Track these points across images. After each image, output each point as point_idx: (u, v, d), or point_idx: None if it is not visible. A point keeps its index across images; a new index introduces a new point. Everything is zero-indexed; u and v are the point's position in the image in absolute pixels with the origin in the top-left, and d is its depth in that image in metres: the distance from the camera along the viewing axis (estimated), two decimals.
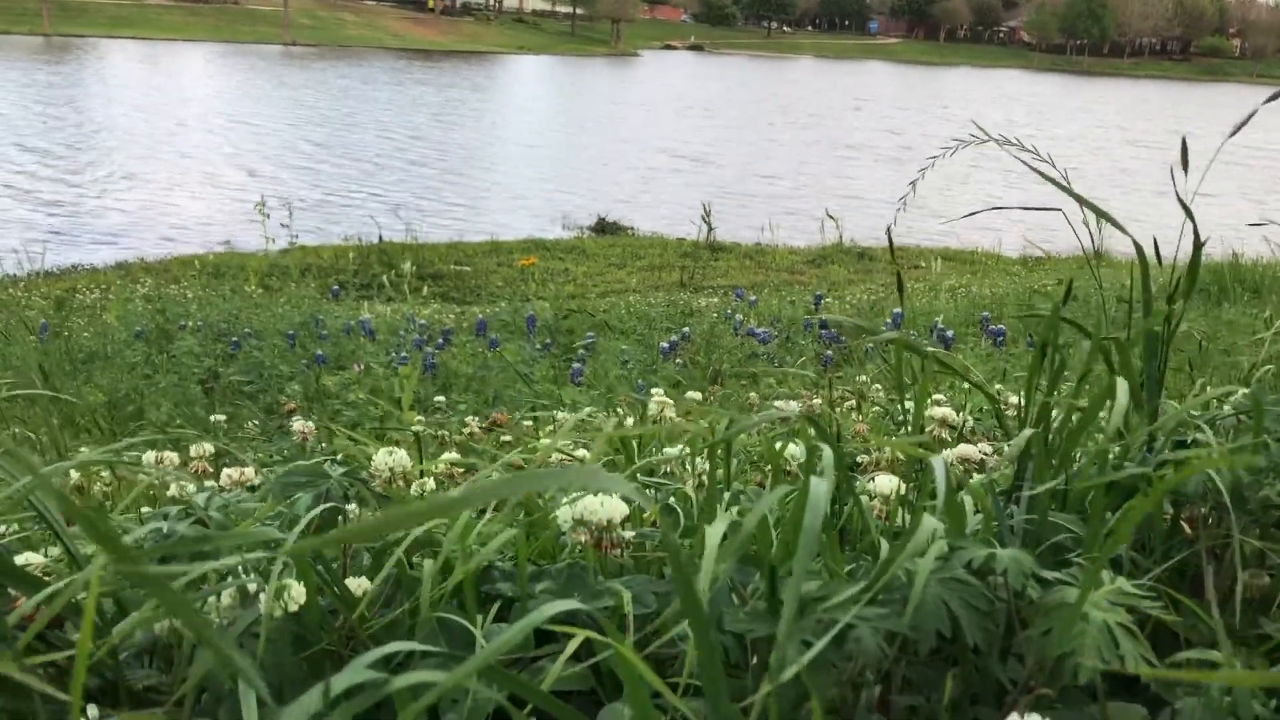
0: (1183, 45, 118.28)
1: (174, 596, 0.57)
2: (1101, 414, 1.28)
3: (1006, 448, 1.70)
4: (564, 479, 0.62)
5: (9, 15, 64.19)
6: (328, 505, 1.17)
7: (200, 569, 1.07)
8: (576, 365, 7.02)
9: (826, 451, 1.02)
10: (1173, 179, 1.28)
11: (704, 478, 1.59)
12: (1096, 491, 1.10)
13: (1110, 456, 1.36)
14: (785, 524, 1.04)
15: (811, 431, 1.26)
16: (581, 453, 2.04)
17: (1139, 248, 1.21)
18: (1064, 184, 1.28)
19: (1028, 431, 1.12)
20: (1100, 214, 1.25)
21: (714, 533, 0.88)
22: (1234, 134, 1.34)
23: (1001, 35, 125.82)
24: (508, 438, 2.80)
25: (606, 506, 1.18)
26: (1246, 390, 1.54)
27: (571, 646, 1.01)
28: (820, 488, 0.85)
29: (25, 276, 13.39)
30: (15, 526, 1.71)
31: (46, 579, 1.28)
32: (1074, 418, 1.26)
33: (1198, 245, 1.26)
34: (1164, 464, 1.23)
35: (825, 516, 1.07)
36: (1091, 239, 1.40)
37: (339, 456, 1.51)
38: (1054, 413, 1.37)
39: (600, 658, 1.08)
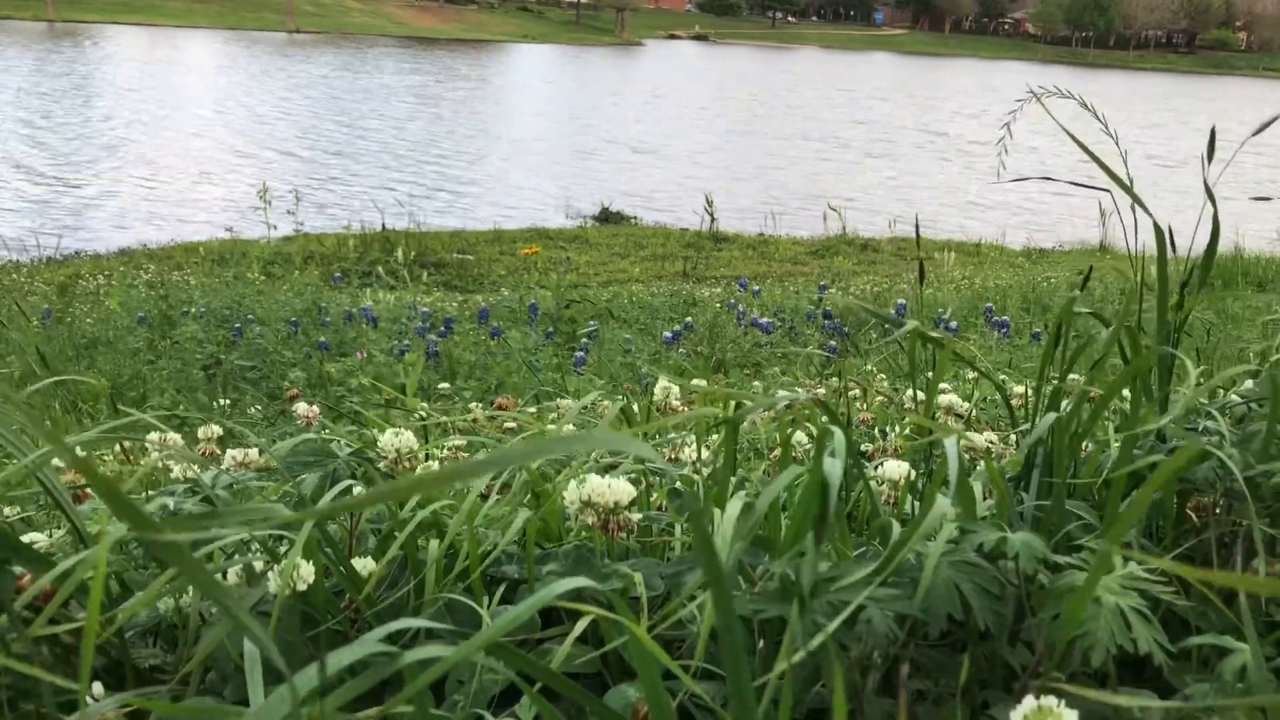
0: (1189, 38, 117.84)
1: (195, 566, 0.57)
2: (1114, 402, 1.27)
3: (1014, 435, 1.69)
4: (588, 442, 0.61)
5: (13, 0, 64.11)
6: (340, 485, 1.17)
7: (207, 548, 1.06)
8: (579, 354, 7.02)
9: (837, 433, 1.01)
10: (1205, 179, 1.27)
11: (708, 463, 1.58)
12: (1116, 480, 1.10)
13: (1116, 444, 1.35)
14: (794, 507, 1.03)
15: (822, 417, 1.26)
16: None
17: (1160, 236, 1.20)
18: (1114, 174, 1.26)
19: (1051, 416, 1.11)
20: (1139, 203, 1.24)
21: (730, 510, 0.88)
22: (1239, 147, 1.33)
23: (1007, 27, 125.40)
24: (511, 424, 2.79)
25: (613, 489, 1.18)
26: (1255, 377, 1.54)
27: (580, 626, 1.01)
28: (835, 466, 0.85)
29: (29, 262, 13.38)
30: (18, 509, 1.71)
31: (52, 557, 1.28)
32: (1085, 406, 1.25)
33: (1215, 236, 1.25)
34: (1174, 451, 1.22)
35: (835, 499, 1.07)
36: (1129, 229, 1.38)
37: (342, 440, 1.50)
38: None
39: (611, 646, 1.08)
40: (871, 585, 0.89)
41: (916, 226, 2.39)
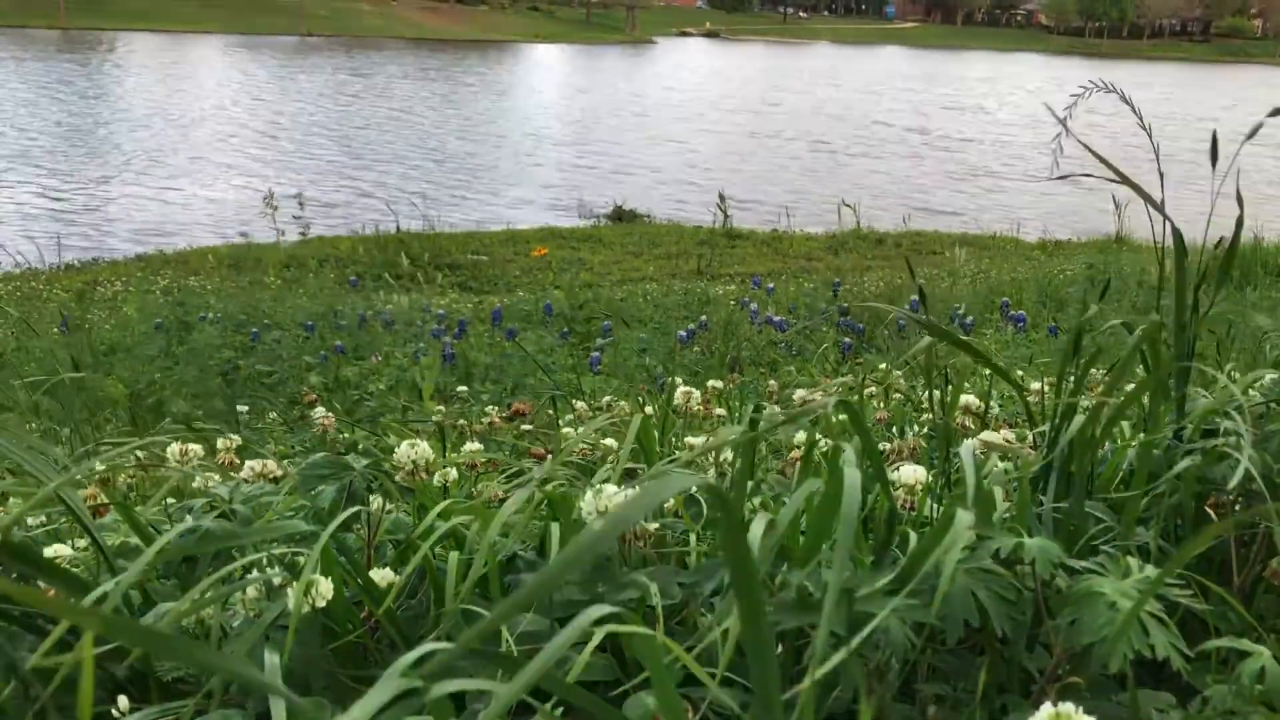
0: (1203, 26, 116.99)
1: (169, 644, 0.57)
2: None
3: (1031, 435, 1.69)
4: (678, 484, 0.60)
5: (27, 9, 64.50)
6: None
7: (227, 569, 1.07)
8: (595, 354, 7.02)
9: (851, 446, 1.01)
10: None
11: (726, 467, 1.58)
12: (1136, 484, 1.09)
13: (1133, 443, 1.35)
14: (812, 514, 1.03)
15: (839, 419, 1.25)
16: (609, 441, 2.04)
17: (1178, 234, 1.20)
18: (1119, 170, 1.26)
19: (1076, 420, 1.10)
20: (1147, 198, 1.23)
21: (755, 530, 0.88)
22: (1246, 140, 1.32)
23: (1019, 18, 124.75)
24: (528, 427, 2.80)
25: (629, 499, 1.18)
26: (1275, 375, 1.53)
27: (596, 638, 1.01)
28: (855, 481, 0.85)
29: (47, 269, 13.48)
30: (43, 519, 1.73)
31: (74, 569, 1.29)
32: (1105, 409, 1.24)
33: (1238, 232, 1.24)
34: (1192, 452, 1.22)
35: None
36: (1153, 224, 1.37)
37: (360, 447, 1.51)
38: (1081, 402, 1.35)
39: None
40: (893, 599, 0.89)
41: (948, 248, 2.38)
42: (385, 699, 0.57)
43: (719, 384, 2.91)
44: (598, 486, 1.17)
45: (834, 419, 1.40)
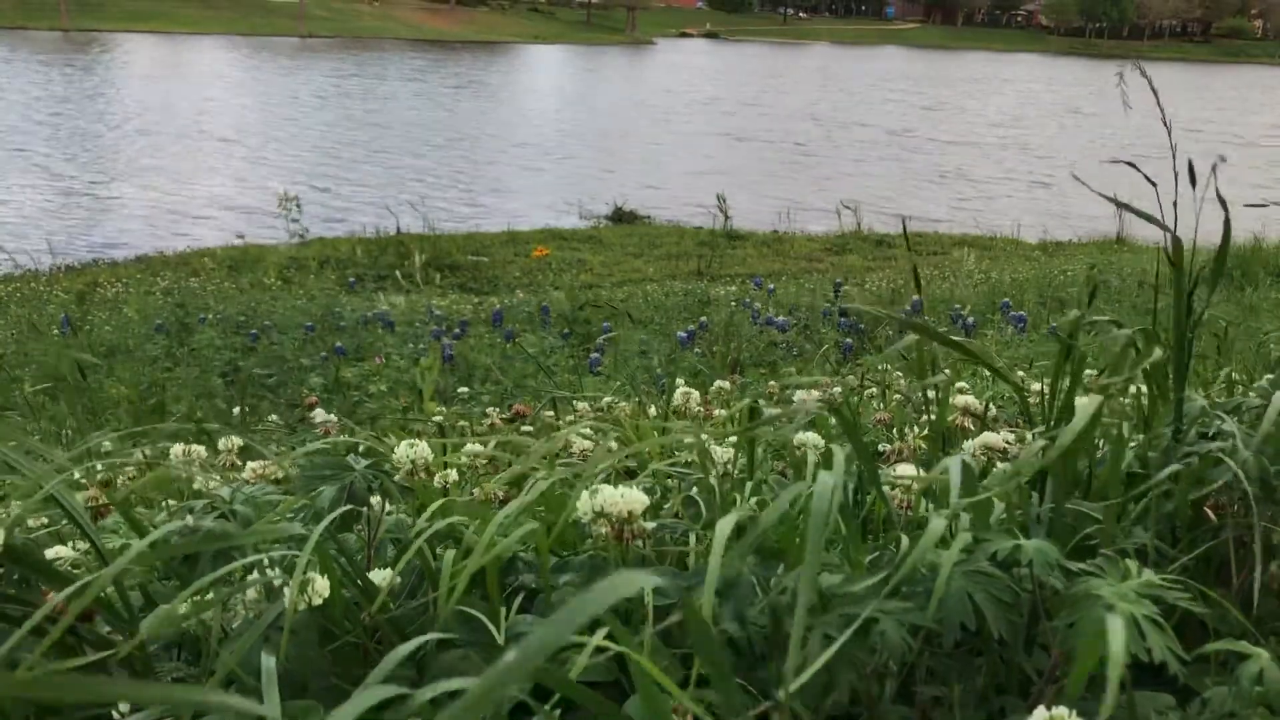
0: (1203, 27, 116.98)
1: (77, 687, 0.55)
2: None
3: (1030, 436, 1.69)
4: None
5: (28, 10, 64.58)
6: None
7: (226, 569, 1.07)
8: (594, 355, 7.02)
9: (837, 451, 1.01)
10: (1191, 184, 1.26)
11: (727, 468, 1.59)
12: (1131, 486, 1.09)
13: (1133, 445, 1.35)
14: (803, 521, 1.03)
15: (832, 421, 1.26)
16: (612, 444, 2.04)
17: (1176, 240, 1.20)
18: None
19: (1076, 424, 1.10)
20: (1150, 218, 1.24)
21: (722, 529, 0.88)
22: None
23: (1020, 19, 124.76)
24: (529, 428, 2.81)
25: (626, 498, 1.18)
26: (1271, 377, 1.53)
27: (594, 642, 1.01)
28: (827, 485, 0.85)
29: (48, 271, 13.49)
30: (44, 520, 1.73)
31: (76, 572, 1.29)
32: (1100, 410, 1.24)
33: (1227, 233, 1.25)
34: (1190, 455, 1.22)
35: (847, 507, 1.07)
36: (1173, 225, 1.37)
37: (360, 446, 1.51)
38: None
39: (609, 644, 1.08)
40: (879, 598, 0.89)
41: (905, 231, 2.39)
42: (368, 704, 0.57)
43: (725, 384, 2.92)
44: (594, 487, 1.17)
45: (829, 421, 1.41)
